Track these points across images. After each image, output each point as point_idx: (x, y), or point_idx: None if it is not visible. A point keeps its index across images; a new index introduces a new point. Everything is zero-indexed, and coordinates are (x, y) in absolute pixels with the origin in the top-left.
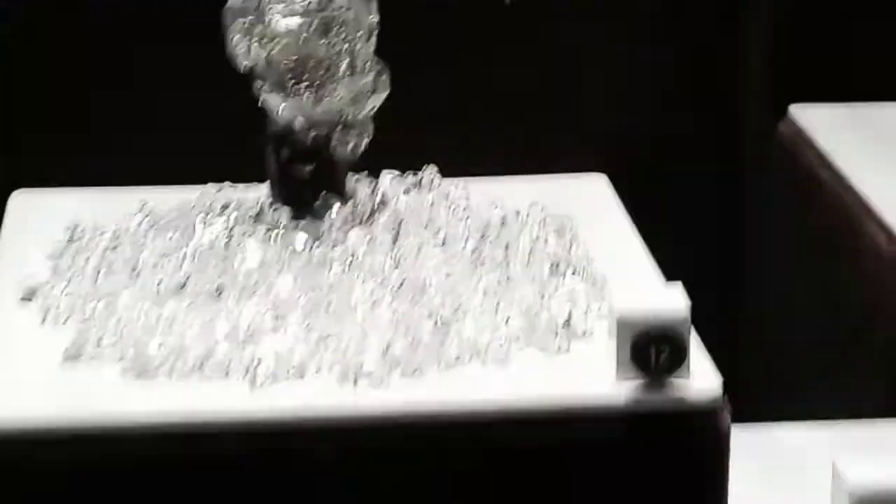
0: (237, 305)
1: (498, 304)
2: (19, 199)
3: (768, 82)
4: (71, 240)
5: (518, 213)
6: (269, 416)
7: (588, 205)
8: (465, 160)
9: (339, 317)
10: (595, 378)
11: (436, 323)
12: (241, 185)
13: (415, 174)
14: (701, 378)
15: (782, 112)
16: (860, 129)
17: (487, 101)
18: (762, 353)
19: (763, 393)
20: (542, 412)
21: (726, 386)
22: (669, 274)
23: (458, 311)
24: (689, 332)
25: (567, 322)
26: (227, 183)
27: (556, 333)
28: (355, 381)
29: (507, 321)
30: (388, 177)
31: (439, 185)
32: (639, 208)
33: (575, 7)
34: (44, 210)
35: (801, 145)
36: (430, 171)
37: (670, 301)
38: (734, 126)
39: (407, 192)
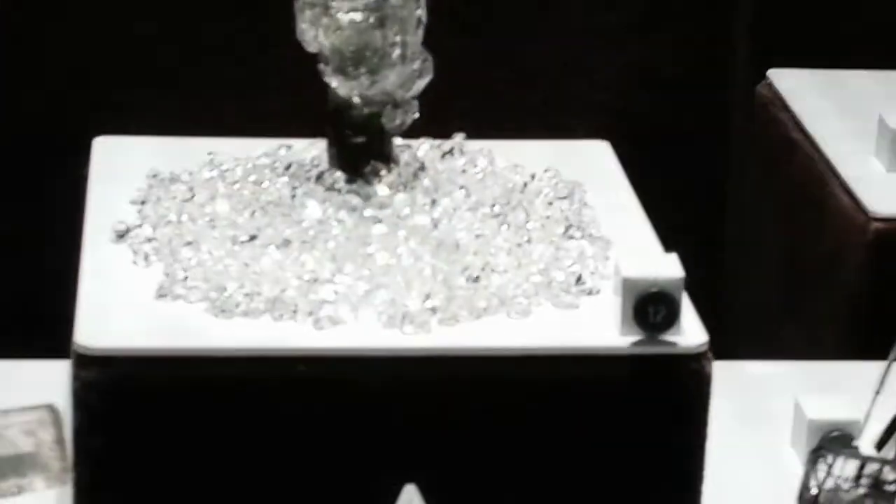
0: (300, 256)
1: (519, 263)
2: (101, 145)
3: (750, 48)
4: (151, 188)
5: (534, 176)
6: (329, 352)
7: (593, 169)
8: (485, 124)
9: (387, 269)
10: (601, 330)
11: (467, 279)
12: (296, 143)
13: (445, 139)
14: (690, 334)
15: (762, 76)
16: (834, 95)
17: (507, 73)
18: (738, 296)
19: (738, 331)
20: (555, 355)
21: (708, 325)
22: (662, 226)
23: (486, 268)
24: (682, 295)
25: (578, 281)
26: (284, 143)
27: (569, 291)
28: (402, 325)
29: (527, 278)
30: (425, 145)
31: (467, 151)
32: (634, 168)
33: None
34: (124, 157)
35: (778, 108)
36: (459, 139)
37: (668, 268)
38: (721, 91)
39: (442, 158)
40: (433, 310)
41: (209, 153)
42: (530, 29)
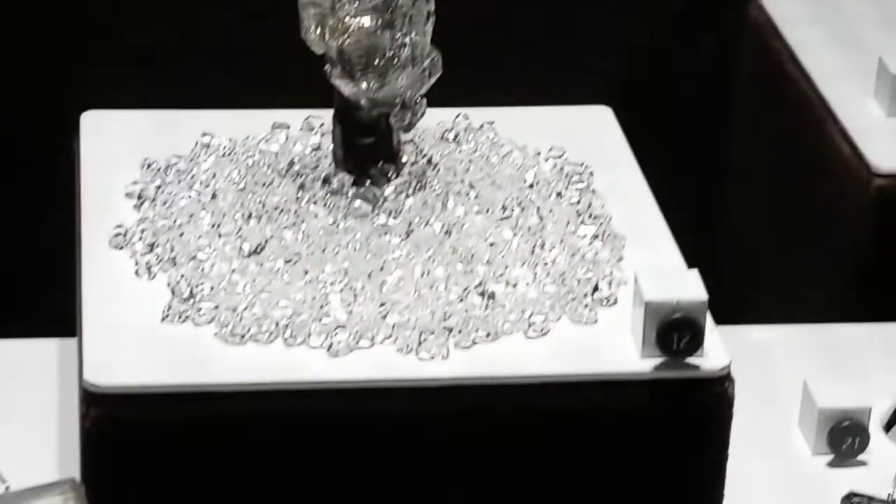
0: (311, 271)
1: (535, 274)
2: (89, 120)
3: None
4: (147, 180)
5: (539, 153)
6: (343, 381)
7: (597, 141)
8: (482, 91)
9: (400, 285)
10: (622, 353)
11: (482, 294)
12: (286, 114)
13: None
14: (713, 356)
15: None
16: (826, 20)
17: (502, 38)
18: (735, 242)
19: (734, 278)
20: (577, 381)
21: (707, 282)
22: (661, 177)
23: (501, 278)
24: (706, 319)
25: (594, 290)
26: (278, 123)
27: (586, 305)
28: (417, 351)
29: (542, 289)
30: (428, 133)
31: (469, 130)
32: (632, 118)
33: None
34: (114, 135)
35: (770, 35)
36: (461, 119)
37: (691, 289)
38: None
39: (448, 149)
40: (449, 330)
41: (203, 133)
42: None
